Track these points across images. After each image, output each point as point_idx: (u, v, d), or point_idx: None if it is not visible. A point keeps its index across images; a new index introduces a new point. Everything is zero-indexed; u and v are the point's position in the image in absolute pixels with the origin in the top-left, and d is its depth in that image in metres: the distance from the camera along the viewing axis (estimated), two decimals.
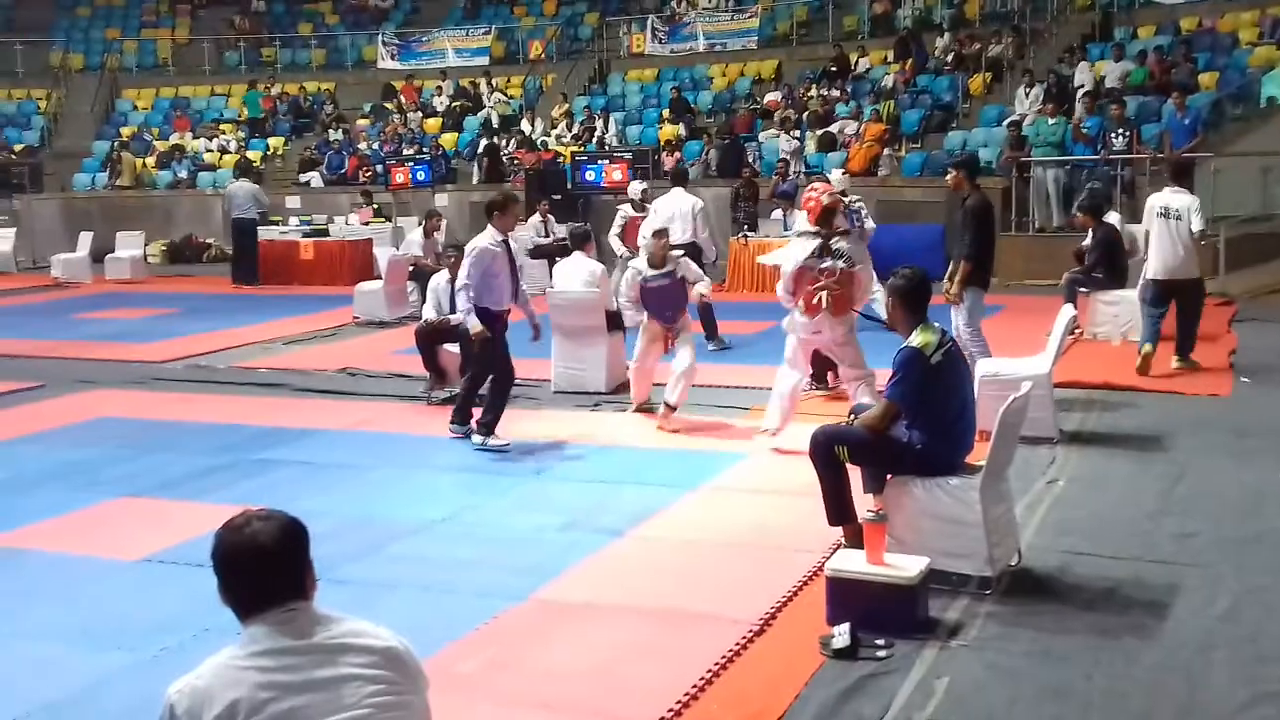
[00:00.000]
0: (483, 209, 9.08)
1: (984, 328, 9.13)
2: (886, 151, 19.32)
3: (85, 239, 21.14)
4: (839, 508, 5.83)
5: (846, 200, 13.22)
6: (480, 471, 7.99)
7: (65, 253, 20.99)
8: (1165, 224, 10.16)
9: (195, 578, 6.03)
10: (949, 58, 21.82)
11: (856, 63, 22.91)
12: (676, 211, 12.49)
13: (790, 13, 25.24)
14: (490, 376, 8.60)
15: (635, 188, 14.23)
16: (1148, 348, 10.12)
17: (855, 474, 5.89)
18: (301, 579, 2.63)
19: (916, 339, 5.64)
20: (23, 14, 30.52)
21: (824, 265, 7.88)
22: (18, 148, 26.51)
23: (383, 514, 7.08)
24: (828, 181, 10.23)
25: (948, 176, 9.53)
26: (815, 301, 7.87)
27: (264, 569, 2.58)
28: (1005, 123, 18.26)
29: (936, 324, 5.76)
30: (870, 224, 13.72)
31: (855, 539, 5.60)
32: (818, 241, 7.96)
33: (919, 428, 5.60)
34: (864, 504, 5.87)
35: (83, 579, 6.16)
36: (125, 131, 27.08)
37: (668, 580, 5.90)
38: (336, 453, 8.62)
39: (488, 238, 8.60)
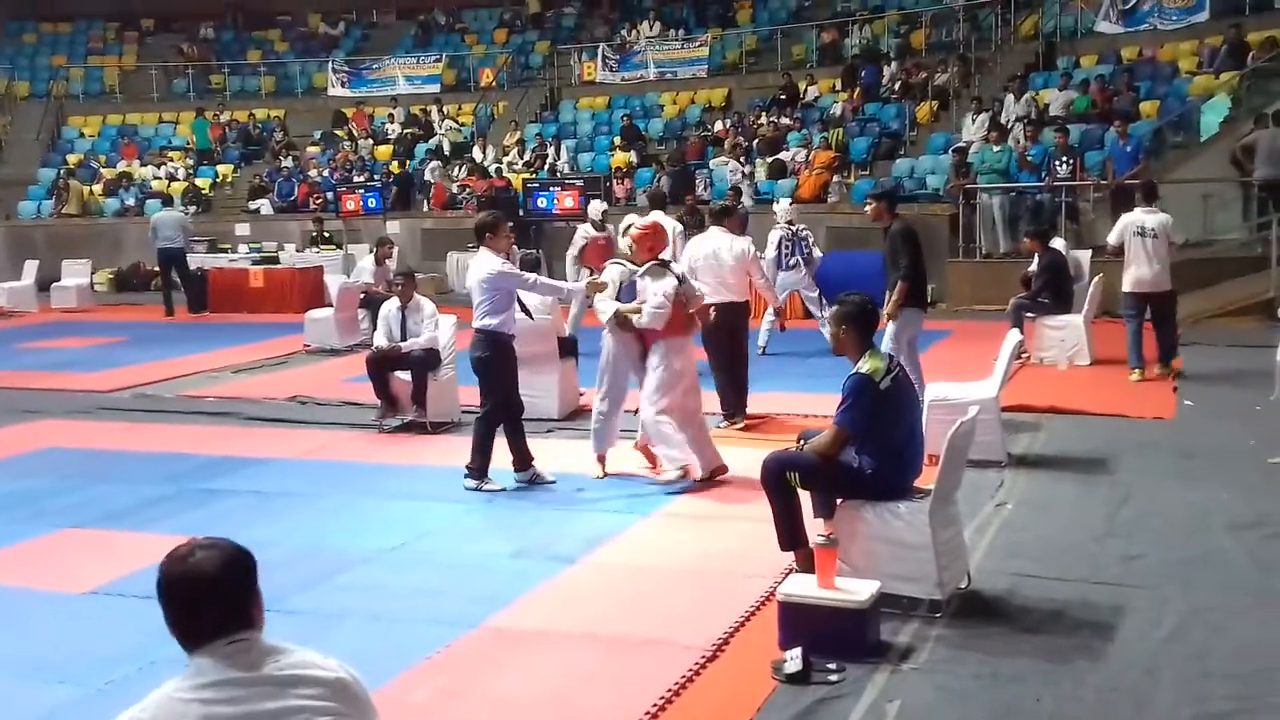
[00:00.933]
0: (430, 235, 9.04)
1: (932, 352, 9.25)
2: (836, 179, 19.51)
3: (30, 267, 20.87)
4: (790, 533, 5.86)
5: (794, 229, 13.39)
6: (432, 499, 7.95)
7: (10, 281, 20.71)
8: (1141, 241, 11.02)
9: (143, 609, 5.95)
10: (896, 86, 22.10)
11: (805, 91, 23.14)
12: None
13: (740, 41, 25.47)
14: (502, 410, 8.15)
15: (595, 208, 14.19)
16: (1136, 373, 10.97)
17: (806, 499, 5.93)
18: (248, 609, 2.60)
19: (865, 365, 5.70)
20: None
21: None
22: None
23: (333, 543, 7.03)
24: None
25: (867, 207, 9.73)
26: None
27: (209, 599, 2.55)
28: (951, 150, 18.50)
29: (884, 349, 5.82)
30: (818, 252, 13.90)
31: (806, 564, 5.62)
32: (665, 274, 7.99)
33: (868, 453, 5.66)
34: (815, 528, 5.90)
35: (28, 612, 6.07)
36: (72, 159, 26.80)
37: (620, 607, 5.90)
38: (287, 481, 8.55)
39: (496, 261, 8.17)
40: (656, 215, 12.15)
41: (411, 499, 8.01)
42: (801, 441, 6.05)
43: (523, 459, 8.19)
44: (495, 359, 8.08)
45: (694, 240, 10.08)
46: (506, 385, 8.18)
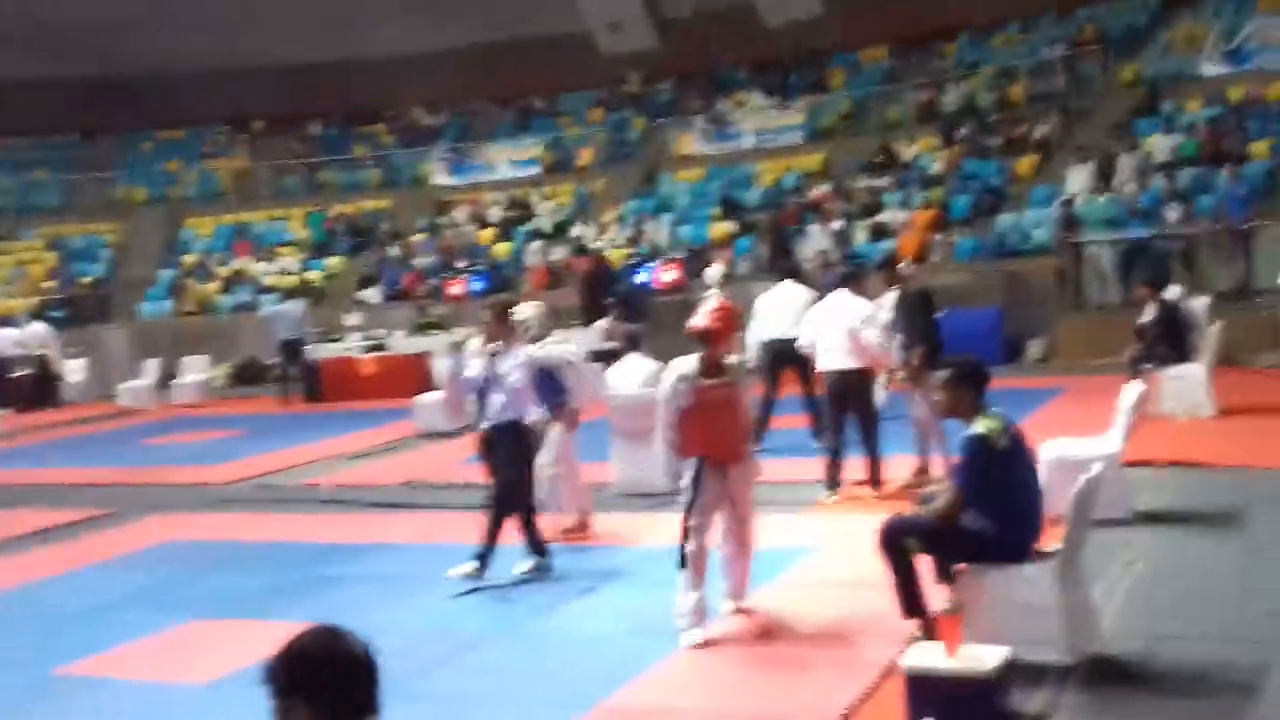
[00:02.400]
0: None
1: (1045, 410, 9.05)
2: (938, 237, 19.33)
3: (151, 366, 21.59)
4: (911, 600, 5.72)
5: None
6: (548, 578, 7.93)
7: (131, 381, 21.44)
8: None
9: (263, 699, 6.05)
10: (996, 141, 21.90)
11: (903, 151, 23.04)
12: (786, 305, 11.45)
13: (835, 107, 25.52)
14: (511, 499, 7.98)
15: (714, 273, 13.91)
16: None
17: (926, 564, 5.79)
18: (378, 694, 2.63)
19: (980, 425, 5.59)
20: (89, 152, 31.68)
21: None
22: (86, 280, 27.28)
23: (449, 625, 7.04)
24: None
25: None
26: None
27: (358, 679, 2.60)
28: (1057, 202, 18.22)
29: (998, 409, 5.69)
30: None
31: (930, 631, 5.47)
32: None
33: (988, 514, 5.51)
34: (937, 594, 5.75)
35: (154, 706, 6.17)
36: (188, 259, 27.78)
37: (741, 682, 5.80)
38: (403, 566, 8.62)
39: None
40: (787, 284, 11.97)
41: (527, 578, 8.00)
42: (920, 505, 5.92)
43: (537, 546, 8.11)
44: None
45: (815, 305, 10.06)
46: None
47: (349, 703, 2.59)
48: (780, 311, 11.38)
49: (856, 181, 22.48)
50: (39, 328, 22.64)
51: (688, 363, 6.55)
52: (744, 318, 10.68)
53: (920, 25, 25.83)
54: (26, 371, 21.83)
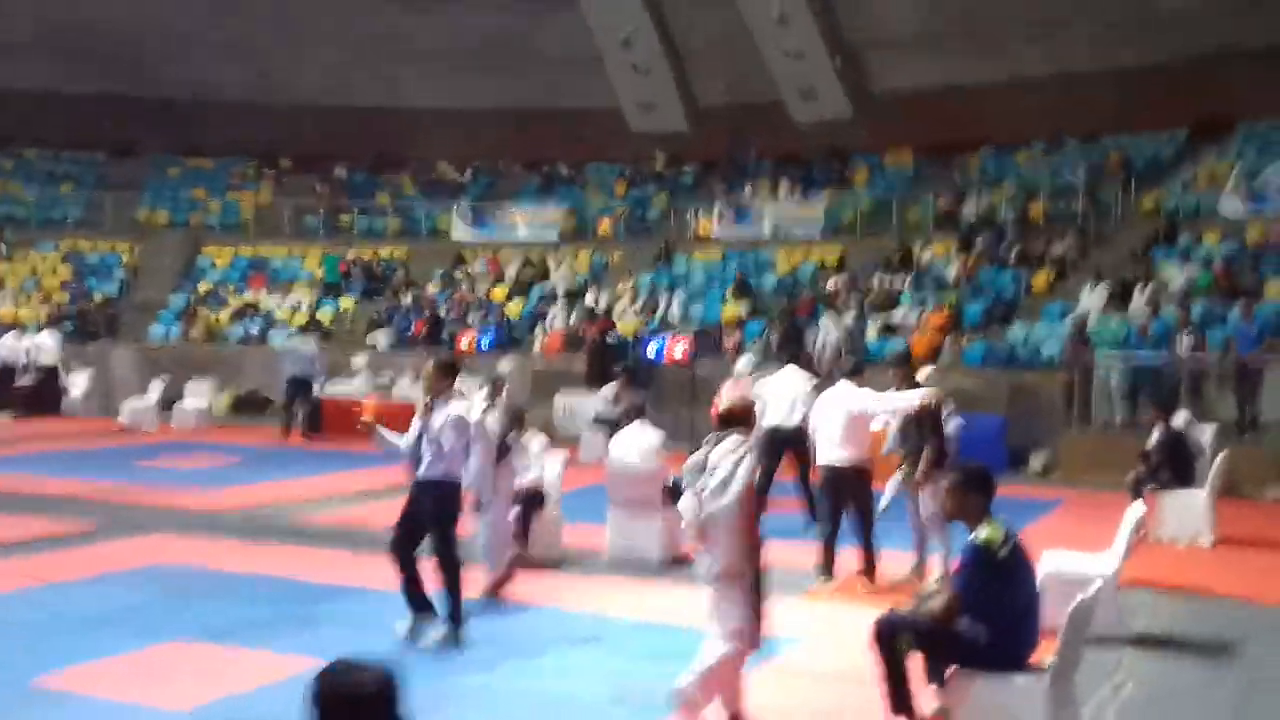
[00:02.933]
0: (540, 376, 9.13)
1: (1043, 522, 9.06)
2: (948, 340, 19.42)
3: (156, 386, 21.59)
4: (899, 698, 5.67)
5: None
6: (533, 638, 7.87)
7: (134, 400, 21.43)
8: None
9: None
10: (1012, 254, 22.09)
11: (920, 254, 23.23)
12: (788, 391, 11.60)
13: (856, 204, 25.77)
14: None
15: (745, 363, 13.86)
16: None
17: (917, 663, 5.75)
18: None
19: (983, 533, 5.59)
20: (116, 170, 31.95)
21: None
22: (99, 296, 27.38)
23: (429, 678, 6.95)
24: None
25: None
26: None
27: (369, 713, 2.58)
28: (1070, 318, 18.32)
29: (1002, 517, 5.69)
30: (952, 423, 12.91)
31: None
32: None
33: (983, 621, 5.48)
34: (926, 694, 5.70)
35: None
36: (202, 287, 27.90)
37: None
38: (380, 613, 8.53)
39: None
40: (790, 370, 11.97)
41: (511, 636, 7.94)
42: (916, 603, 5.89)
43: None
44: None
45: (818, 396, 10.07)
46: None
47: None
48: (782, 398, 11.52)
49: (872, 278, 22.63)
50: (47, 337, 22.70)
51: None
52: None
53: (945, 134, 26.17)
54: (31, 379, 21.83)
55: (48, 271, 28.58)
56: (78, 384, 22.74)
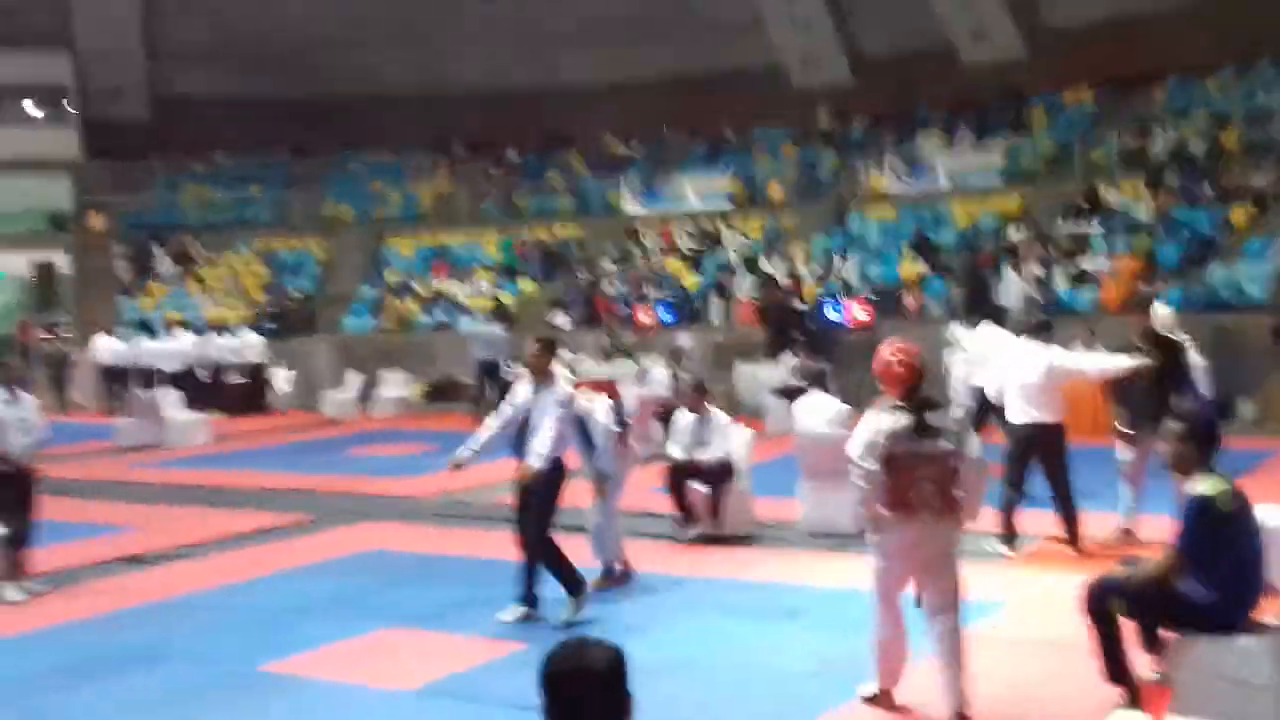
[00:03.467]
0: (719, 348, 9.02)
1: (1257, 474, 8.66)
2: (1143, 287, 18.66)
3: (353, 379, 22.50)
4: (1115, 665, 5.53)
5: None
6: (732, 612, 7.96)
7: (334, 391, 22.39)
8: None
9: (459, 711, 6.25)
10: (1208, 190, 21.05)
11: (1107, 197, 22.34)
12: (993, 350, 11.27)
13: (1036, 149, 24.92)
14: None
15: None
16: None
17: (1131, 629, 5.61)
18: (624, 709, 2.70)
19: (1205, 485, 5.35)
20: (298, 170, 33.31)
21: (922, 449, 5.70)
22: (295, 293, 28.64)
23: (635, 652, 7.08)
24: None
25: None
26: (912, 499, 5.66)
27: (593, 696, 2.69)
28: (1274, 254, 17.41)
29: (1224, 469, 5.47)
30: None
31: (1134, 700, 5.30)
32: (907, 417, 5.73)
33: (1203, 581, 5.29)
34: (1141, 661, 5.56)
35: (352, 707, 6.42)
36: (390, 277, 28.88)
37: None
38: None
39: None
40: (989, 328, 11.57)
41: (710, 610, 8.05)
42: (1126, 564, 5.75)
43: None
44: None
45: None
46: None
47: (576, 715, 2.67)
48: (988, 357, 11.15)
49: (1057, 226, 21.90)
50: (253, 337, 23.87)
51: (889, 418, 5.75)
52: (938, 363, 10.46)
53: (1127, 67, 25.02)
54: (240, 378, 23.01)
55: (246, 272, 30.02)
56: (281, 380, 23.86)
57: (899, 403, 5.76)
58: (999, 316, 11.84)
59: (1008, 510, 9.26)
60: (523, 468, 7.81)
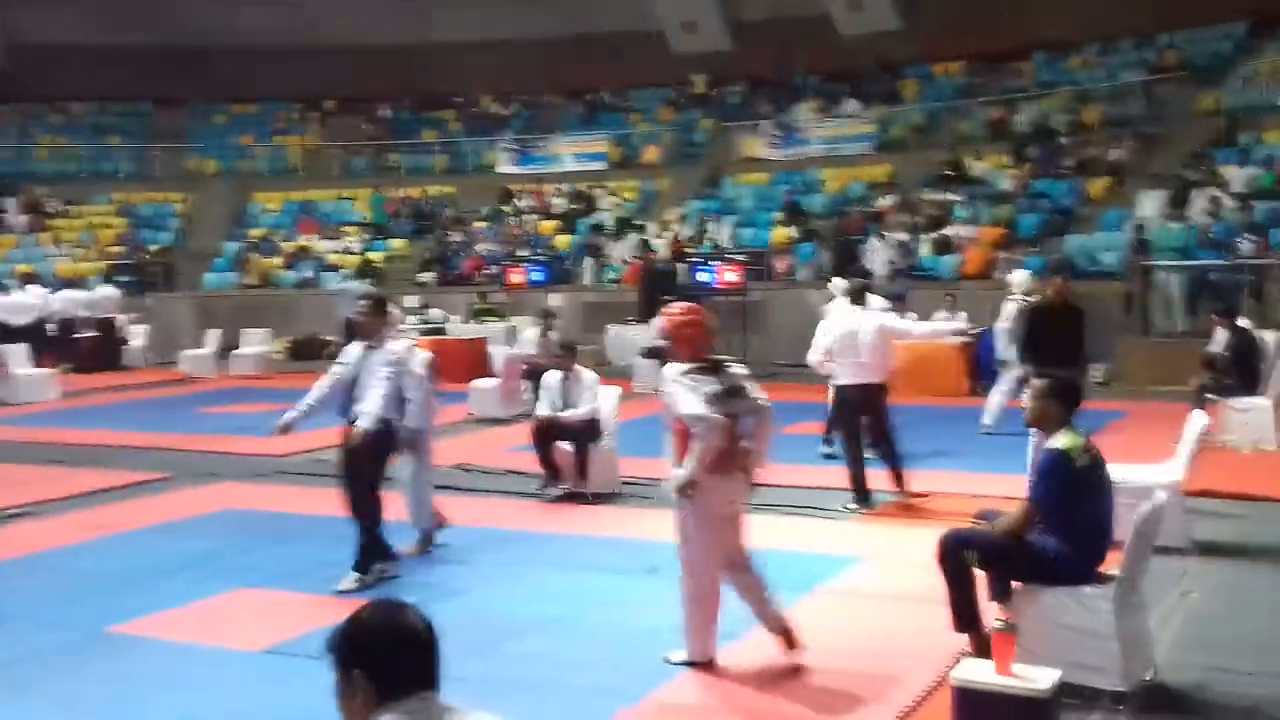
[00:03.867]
0: (591, 309, 8.95)
1: (1105, 433, 8.98)
2: (1003, 255, 19.14)
3: (213, 335, 21.88)
4: (965, 614, 5.65)
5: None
6: (595, 569, 7.95)
7: (193, 349, 21.74)
8: None
9: (312, 670, 6.11)
10: (1068, 162, 21.66)
11: (972, 167, 22.85)
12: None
13: (905, 119, 25.34)
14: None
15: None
16: None
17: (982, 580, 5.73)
18: (438, 671, 2.65)
19: (1062, 440, 5.52)
20: (161, 121, 32.13)
21: (735, 407, 5.82)
22: (153, 248, 27.69)
23: (499, 610, 7.06)
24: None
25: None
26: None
27: (418, 653, 2.62)
28: (1129, 225, 18.00)
29: (1081, 427, 5.62)
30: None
31: (981, 649, 5.42)
32: (713, 376, 5.80)
33: (1055, 534, 5.43)
34: (990, 611, 5.69)
35: (203, 669, 6.24)
36: (255, 233, 28.11)
37: (782, 687, 5.77)
38: (451, 548, 8.65)
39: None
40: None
41: (574, 569, 8.02)
42: (979, 518, 5.86)
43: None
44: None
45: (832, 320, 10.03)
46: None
47: (408, 677, 2.61)
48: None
49: (924, 194, 22.32)
50: (107, 291, 23.04)
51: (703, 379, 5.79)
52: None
53: (997, 43, 25.61)
54: (92, 333, 22.18)
55: (102, 225, 28.91)
56: (136, 335, 23.09)
57: (697, 363, 5.82)
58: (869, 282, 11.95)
59: (859, 469, 9.47)
60: (352, 430, 7.53)
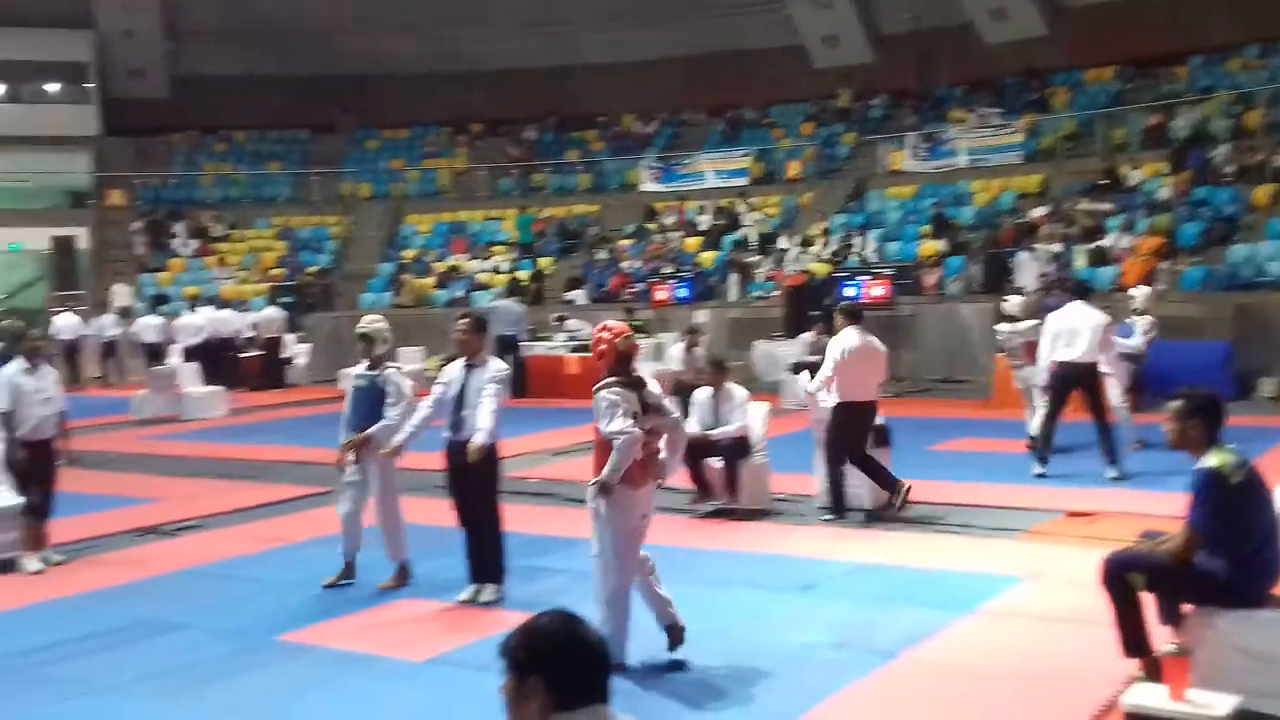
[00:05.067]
0: (735, 325, 8.96)
1: (1276, 452, 8.64)
2: (1163, 265, 18.53)
3: None
4: (1134, 639, 5.49)
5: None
6: (746, 585, 7.94)
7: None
8: None
9: (476, 681, 6.25)
10: (1230, 169, 20.87)
11: (1128, 175, 22.18)
12: (1082, 326, 11.18)
13: (1057, 127, 24.75)
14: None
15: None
16: None
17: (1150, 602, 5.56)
18: (610, 683, 2.70)
19: (1213, 459, 5.33)
20: (318, 148, 33.35)
21: (658, 423, 6.36)
22: (312, 269, 28.67)
23: (648, 625, 7.11)
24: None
25: None
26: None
27: (594, 665, 2.67)
28: None
29: (1232, 444, 5.42)
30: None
31: (1152, 673, 5.26)
32: (634, 393, 6.29)
33: (1222, 555, 5.25)
34: (1160, 635, 5.52)
35: (367, 677, 6.43)
36: (408, 254, 28.89)
37: (945, 709, 5.69)
38: None
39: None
40: (1077, 305, 11.43)
41: (725, 585, 8.02)
42: (1143, 540, 5.70)
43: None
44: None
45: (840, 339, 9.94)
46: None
47: (584, 688, 2.65)
48: (1077, 334, 11.13)
49: (1077, 204, 21.75)
50: (272, 312, 23.89)
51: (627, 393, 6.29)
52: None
53: (1150, 46, 24.86)
54: (257, 353, 23.05)
55: (264, 248, 30.07)
56: (299, 355, 23.88)
57: (620, 379, 6.29)
58: (1087, 294, 11.80)
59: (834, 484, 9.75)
60: (468, 447, 7.56)
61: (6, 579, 8.81)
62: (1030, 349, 12.04)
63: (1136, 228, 20.02)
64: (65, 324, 24.06)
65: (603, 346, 6.41)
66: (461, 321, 7.99)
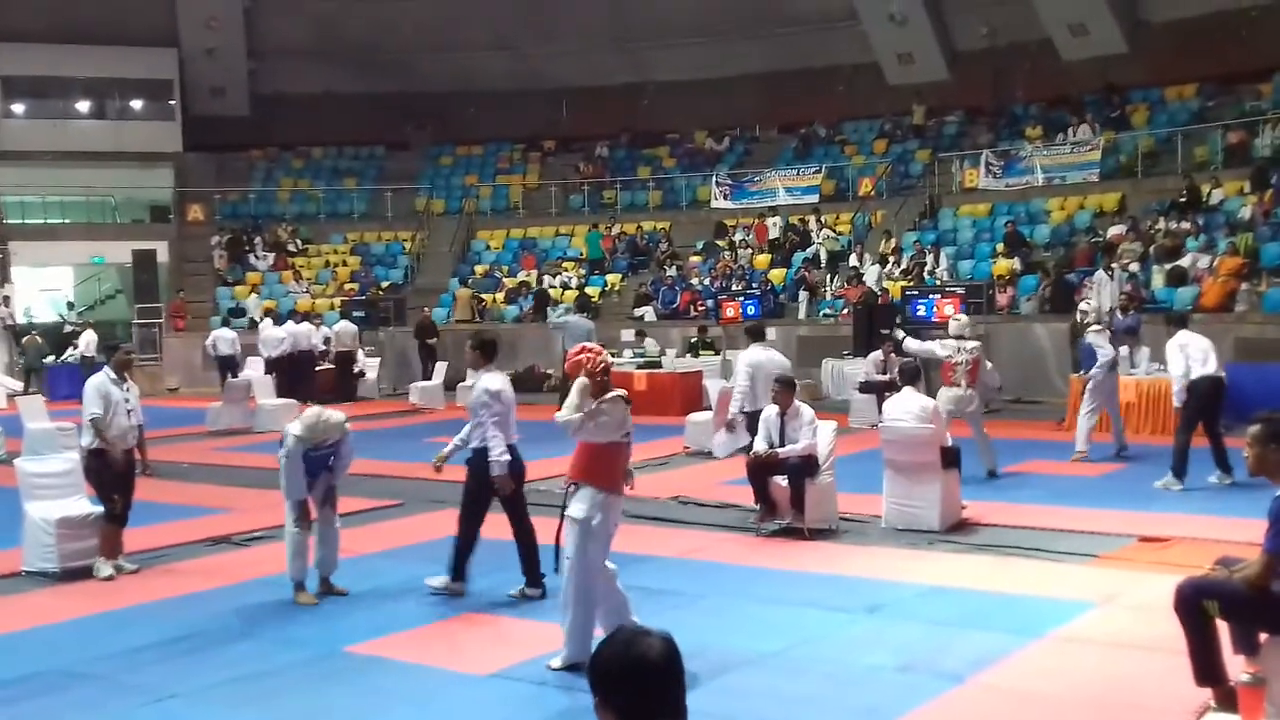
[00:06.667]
0: (804, 342, 9.09)
1: None
2: (1244, 286, 18.14)
3: (440, 368, 22.73)
4: (1208, 667, 5.36)
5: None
6: (812, 606, 7.88)
7: (423, 381, 22.64)
8: None
9: (539, 695, 6.28)
10: None
11: (1209, 194, 21.75)
12: (1207, 345, 11.80)
13: (1135, 144, 24.36)
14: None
15: (956, 324, 13.63)
16: None
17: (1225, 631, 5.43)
18: (682, 699, 2.67)
19: None
20: (393, 165, 33.83)
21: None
22: (385, 284, 29.02)
23: (715, 644, 7.08)
24: None
25: None
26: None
27: (655, 683, 2.64)
28: None
29: None
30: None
31: (1226, 702, 5.14)
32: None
33: None
34: (1234, 664, 5.39)
35: (433, 689, 6.48)
36: (479, 269, 29.14)
37: None
38: (668, 580, 8.73)
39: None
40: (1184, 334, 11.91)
41: (791, 604, 7.98)
42: (1218, 566, 5.57)
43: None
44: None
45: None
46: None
47: (642, 706, 2.63)
48: (1206, 351, 11.66)
49: (1155, 223, 21.38)
50: (346, 326, 24.20)
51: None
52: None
53: (1232, 63, 24.38)
54: (331, 366, 23.36)
55: (338, 263, 30.51)
56: (371, 368, 24.17)
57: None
58: (1186, 318, 12.24)
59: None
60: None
61: (83, 585, 9.00)
62: (974, 369, 12.53)
63: (1217, 248, 19.62)
64: (221, 338, 24.23)
65: (568, 368, 7.29)
66: (470, 343, 8.87)
